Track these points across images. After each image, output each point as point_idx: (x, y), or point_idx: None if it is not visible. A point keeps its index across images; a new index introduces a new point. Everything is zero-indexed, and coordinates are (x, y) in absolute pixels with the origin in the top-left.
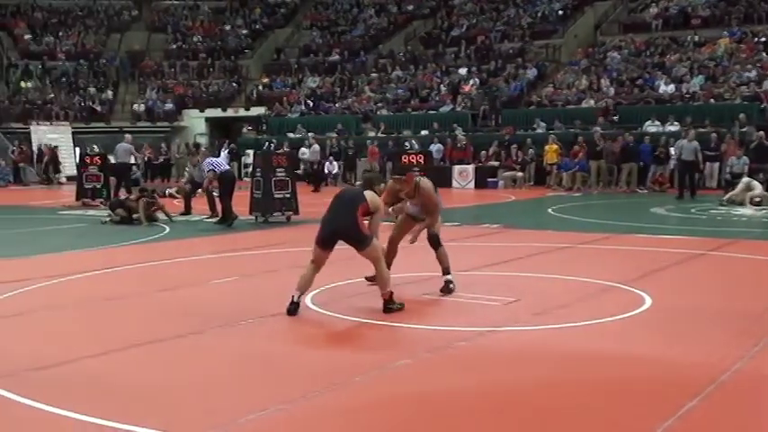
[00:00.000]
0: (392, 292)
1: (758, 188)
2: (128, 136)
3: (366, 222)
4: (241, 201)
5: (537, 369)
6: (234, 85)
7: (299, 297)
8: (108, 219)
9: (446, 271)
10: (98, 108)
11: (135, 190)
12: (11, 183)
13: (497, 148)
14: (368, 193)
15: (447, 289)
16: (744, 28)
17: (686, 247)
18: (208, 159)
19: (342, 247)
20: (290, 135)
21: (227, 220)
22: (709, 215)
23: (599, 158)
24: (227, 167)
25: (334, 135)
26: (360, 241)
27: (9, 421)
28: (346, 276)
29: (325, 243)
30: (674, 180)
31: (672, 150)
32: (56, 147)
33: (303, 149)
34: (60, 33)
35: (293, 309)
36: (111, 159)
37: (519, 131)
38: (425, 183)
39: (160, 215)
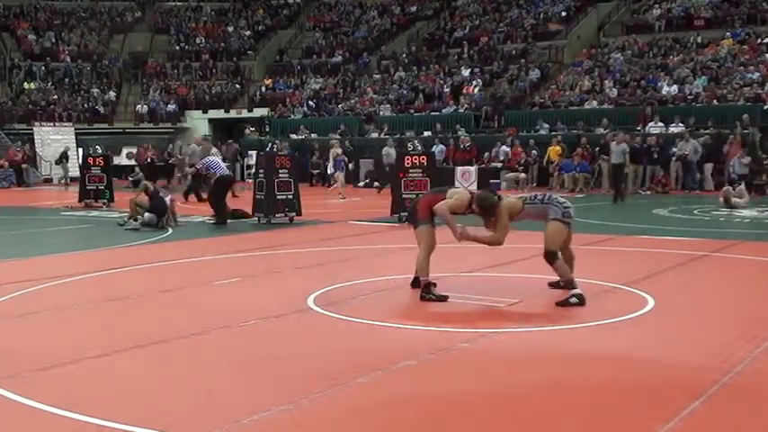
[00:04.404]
0: (430, 282)
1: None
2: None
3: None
4: (245, 202)
5: (539, 370)
6: (237, 86)
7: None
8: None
9: (569, 284)
10: (101, 109)
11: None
12: (13, 184)
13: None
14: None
15: (566, 302)
16: (747, 29)
17: (689, 249)
18: (209, 158)
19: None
20: (293, 136)
21: (219, 219)
22: (712, 217)
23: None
24: (227, 172)
25: (337, 136)
26: (413, 222)
27: (11, 422)
28: (349, 278)
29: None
30: (678, 181)
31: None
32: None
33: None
34: (63, 34)
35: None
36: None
37: (522, 133)
38: (503, 207)
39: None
